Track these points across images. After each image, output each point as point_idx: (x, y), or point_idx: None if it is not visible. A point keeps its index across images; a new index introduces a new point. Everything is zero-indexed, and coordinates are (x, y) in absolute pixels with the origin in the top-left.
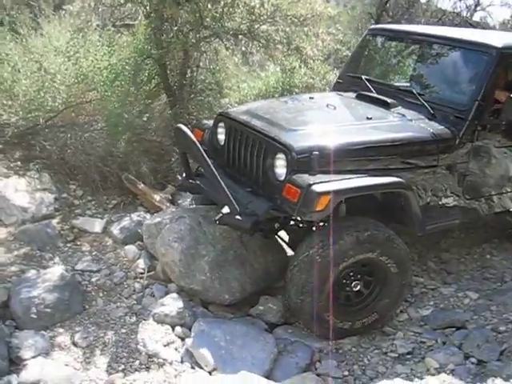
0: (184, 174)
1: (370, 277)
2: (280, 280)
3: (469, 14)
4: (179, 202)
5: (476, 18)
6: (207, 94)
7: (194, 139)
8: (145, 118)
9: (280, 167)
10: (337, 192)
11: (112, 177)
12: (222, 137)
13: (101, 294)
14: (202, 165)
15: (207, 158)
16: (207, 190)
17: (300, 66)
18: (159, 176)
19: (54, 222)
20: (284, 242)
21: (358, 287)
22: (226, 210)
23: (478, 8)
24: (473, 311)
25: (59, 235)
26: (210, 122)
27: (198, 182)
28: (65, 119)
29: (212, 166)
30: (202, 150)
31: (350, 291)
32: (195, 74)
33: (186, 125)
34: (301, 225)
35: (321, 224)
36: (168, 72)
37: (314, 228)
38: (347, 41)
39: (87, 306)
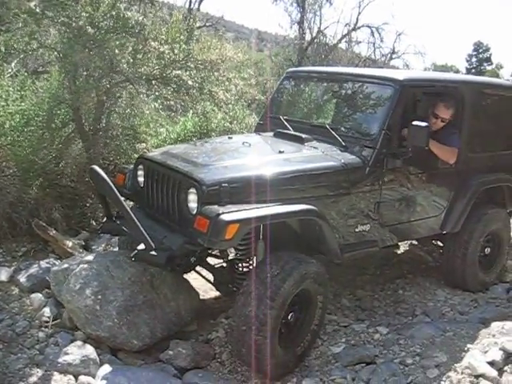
0: (105, 216)
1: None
2: (192, 323)
3: (385, 61)
4: (93, 247)
5: (395, 63)
6: (123, 139)
7: (107, 179)
8: (60, 165)
9: (192, 201)
10: (244, 220)
11: (22, 223)
12: (141, 179)
13: (0, 346)
14: (116, 204)
15: (120, 197)
16: (126, 230)
17: (213, 110)
18: (72, 222)
19: None
20: (209, 282)
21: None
22: (141, 246)
23: (394, 56)
24: (382, 346)
25: None
26: (131, 166)
27: (118, 223)
28: None
29: (124, 203)
30: (115, 189)
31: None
32: (111, 118)
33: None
34: (224, 265)
35: (248, 264)
36: (82, 117)
37: (238, 268)
38: (270, 86)
39: None
